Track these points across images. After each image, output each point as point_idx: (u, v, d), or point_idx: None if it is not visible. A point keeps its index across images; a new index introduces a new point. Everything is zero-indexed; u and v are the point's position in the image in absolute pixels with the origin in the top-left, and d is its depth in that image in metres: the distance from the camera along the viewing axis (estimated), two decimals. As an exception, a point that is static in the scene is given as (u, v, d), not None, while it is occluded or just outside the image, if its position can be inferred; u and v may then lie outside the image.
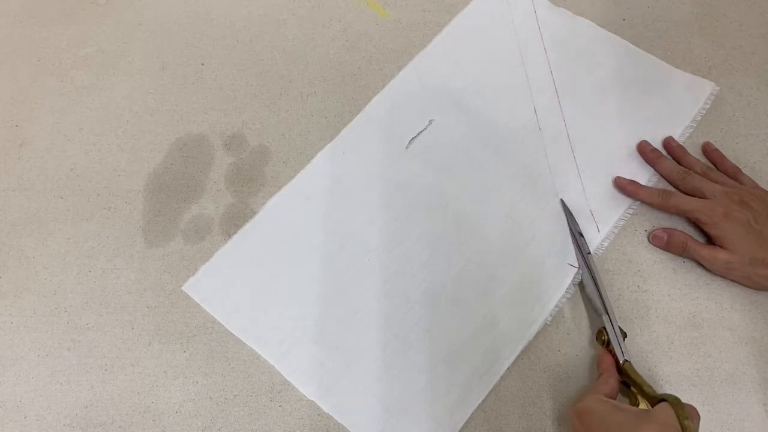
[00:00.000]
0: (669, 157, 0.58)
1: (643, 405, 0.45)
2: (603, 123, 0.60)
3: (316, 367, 0.50)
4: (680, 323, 0.51)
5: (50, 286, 0.54)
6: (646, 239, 0.55)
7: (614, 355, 0.48)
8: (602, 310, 0.50)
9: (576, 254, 0.54)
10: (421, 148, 0.60)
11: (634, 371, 0.47)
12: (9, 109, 0.63)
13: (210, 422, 0.49)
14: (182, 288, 0.54)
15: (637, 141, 0.59)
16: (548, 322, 0.52)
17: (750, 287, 0.52)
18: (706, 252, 0.52)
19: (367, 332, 0.51)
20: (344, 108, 0.62)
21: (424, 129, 0.61)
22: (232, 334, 0.52)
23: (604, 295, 0.51)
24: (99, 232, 0.56)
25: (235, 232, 0.56)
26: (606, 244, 0.55)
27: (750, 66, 0.64)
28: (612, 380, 0.46)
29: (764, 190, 0.54)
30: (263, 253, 0.55)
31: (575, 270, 0.53)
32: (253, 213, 0.57)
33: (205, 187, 0.58)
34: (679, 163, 0.57)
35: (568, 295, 0.52)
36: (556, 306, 0.52)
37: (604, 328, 0.49)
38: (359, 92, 0.63)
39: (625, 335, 0.49)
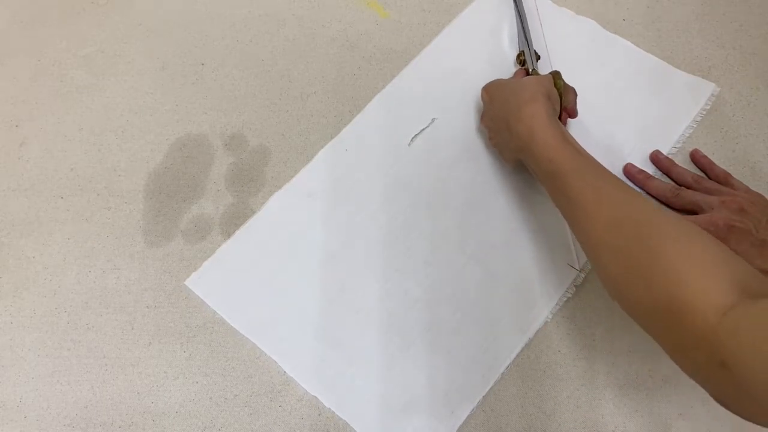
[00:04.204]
0: (657, 176, 0.57)
1: None
2: (603, 122, 0.60)
3: (318, 363, 0.50)
4: (680, 323, 0.51)
5: (50, 286, 0.54)
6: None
7: (527, 70, 0.61)
8: (524, 39, 0.63)
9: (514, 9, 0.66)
10: (423, 146, 0.60)
11: (538, 76, 0.57)
12: (9, 109, 0.63)
13: (210, 422, 0.49)
14: (185, 283, 0.54)
15: (637, 140, 0.59)
16: (548, 321, 0.52)
17: None
18: None
19: (369, 329, 0.52)
20: (344, 108, 0.62)
21: (427, 127, 0.61)
22: (232, 334, 0.52)
23: (526, 28, 0.64)
24: (99, 232, 0.56)
25: (235, 232, 0.56)
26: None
27: (750, 66, 0.63)
28: (521, 75, 0.60)
29: (757, 193, 0.53)
30: (266, 250, 0.55)
31: (576, 271, 0.53)
32: (253, 213, 0.57)
33: (205, 187, 0.58)
34: (668, 175, 0.57)
35: (569, 295, 0.52)
36: (557, 305, 0.52)
37: (523, 51, 0.62)
38: (359, 92, 0.63)
39: (538, 57, 0.62)
